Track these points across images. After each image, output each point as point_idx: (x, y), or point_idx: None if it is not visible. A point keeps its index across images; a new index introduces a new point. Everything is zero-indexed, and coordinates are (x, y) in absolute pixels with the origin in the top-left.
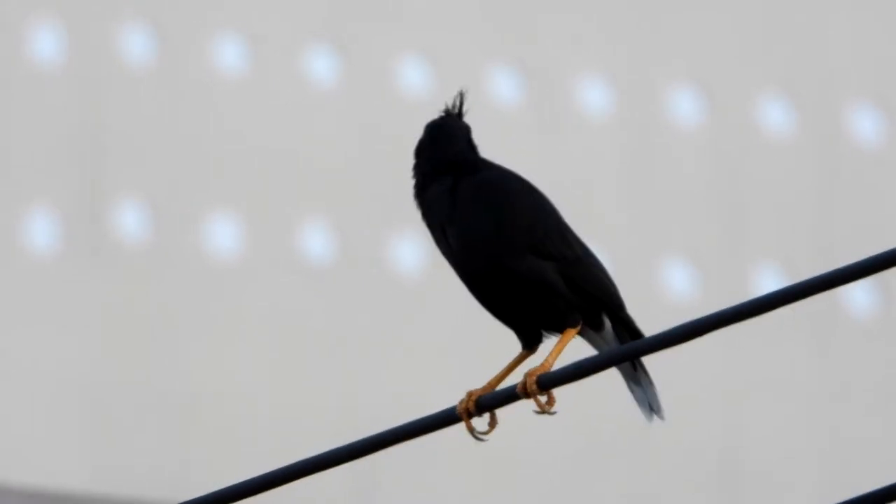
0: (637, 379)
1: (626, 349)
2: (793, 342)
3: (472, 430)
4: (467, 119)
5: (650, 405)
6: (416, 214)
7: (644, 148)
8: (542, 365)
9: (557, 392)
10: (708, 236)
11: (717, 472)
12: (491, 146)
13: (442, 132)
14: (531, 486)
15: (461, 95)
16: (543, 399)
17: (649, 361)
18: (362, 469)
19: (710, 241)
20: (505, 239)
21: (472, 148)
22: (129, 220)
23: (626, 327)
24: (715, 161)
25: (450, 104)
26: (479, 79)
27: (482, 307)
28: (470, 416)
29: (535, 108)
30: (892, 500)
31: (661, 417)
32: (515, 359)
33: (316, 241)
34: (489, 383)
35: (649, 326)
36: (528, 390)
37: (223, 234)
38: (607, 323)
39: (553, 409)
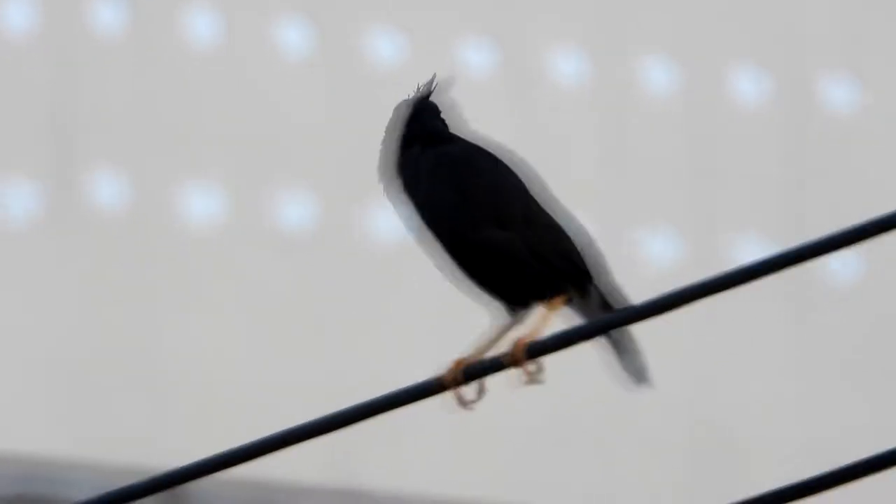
0: (622, 345)
1: (614, 316)
2: (768, 308)
3: (460, 398)
4: (445, 99)
5: (636, 371)
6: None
7: (619, 116)
8: (530, 333)
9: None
10: (685, 205)
11: (691, 441)
12: (465, 117)
13: (411, 109)
14: (503, 456)
15: (433, 78)
16: (532, 367)
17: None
18: (344, 442)
19: (687, 210)
20: (465, 211)
21: (443, 124)
22: (105, 190)
23: (611, 295)
24: (689, 129)
25: (422, 85)
26: (452, 48)
27: (465, 277)
28: (457, 384)
29: (507, 78)
30: (870, 472)
31: (649, 384)
32: (503, 326)
33: (295, 211)
34: (478, 350)
35: (635, 296)
36: (517, 358)
37: (200, 204)
38: (594, 291)
39: (542, 377)
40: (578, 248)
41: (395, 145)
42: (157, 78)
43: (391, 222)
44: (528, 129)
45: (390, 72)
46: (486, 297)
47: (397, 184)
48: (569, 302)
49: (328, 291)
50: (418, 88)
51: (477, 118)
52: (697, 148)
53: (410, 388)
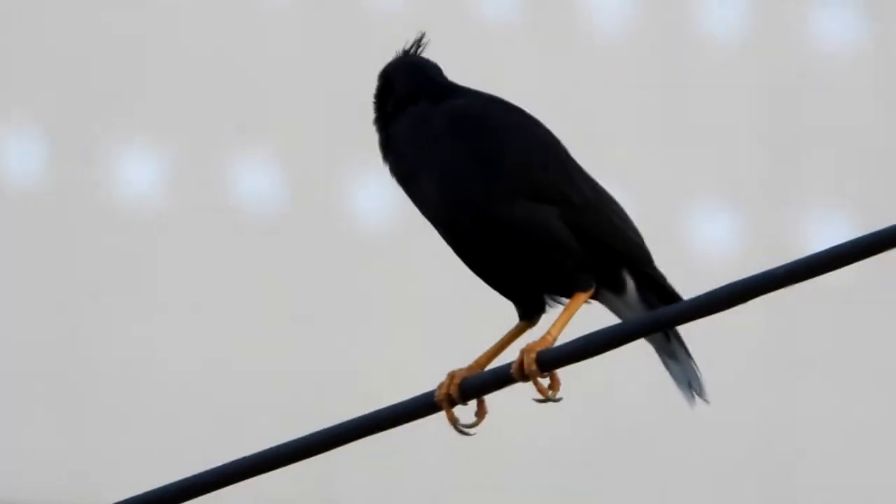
0: (672, 352)
1: (651, 318)
2: (854, 308)
3: (454, 422)
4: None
5: (690, 384)
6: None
7: (670, 68)
8: (542, 339)
9: (563, 373)
10: (753, 177)
11: (759, 469)
12: (483, 72)
13: (402, 67)
14: (528, 487)
15: (420, 38)
16: (545, 382)
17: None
18: (320, 465)
19: (755, 183)
20: (491, 180)
21: (443, 79)
22: (17, 160)
23: (654, 288)
24: (763, 82)
25: (409, 42)
26: None
27: (472, 272)
28: (452, 403)
29: (534, 24)
30: None
31: (705, 399)
32: (511, 332)
33: (256, 185)
34: (476, 362)
35: (679, 289)
36: (527, 371)
37: (136, 177)
38: (630, 283)
39: (558, 395)
40: (634, 227)
41: (389, 109)
42: (88, 25)
43: (377, 199)
44: (559, 84)
45: (384, 21)
46: (498, 294)
47: (395, 157)
48: (597, 298)
49: (298, 282)
50: (406, 47)
51: (496, 72)
52: (774, 104)
53: (396, 407)
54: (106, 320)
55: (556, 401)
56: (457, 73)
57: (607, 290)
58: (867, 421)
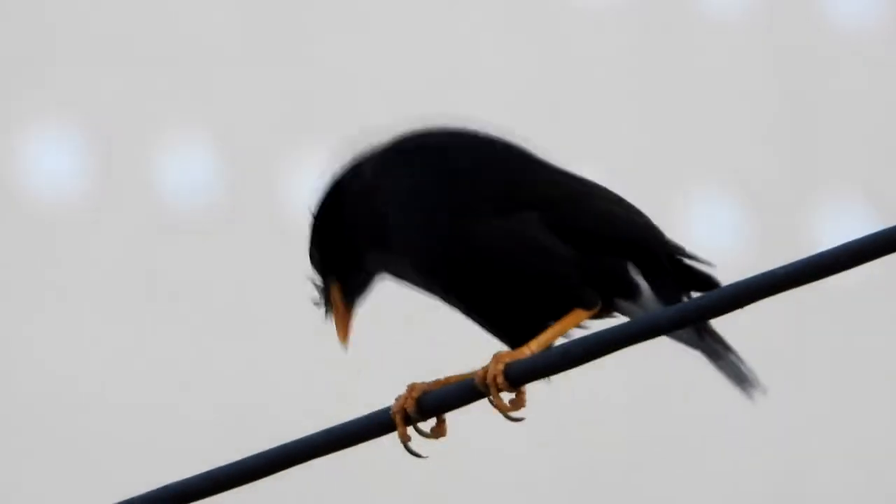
0: (710, 350)
1: (641, 325)
2: (876, 308)
3: (405, 441)
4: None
5: (739, 377)
6: (327, 135)
7: (669, 48)
8: (518, 350)
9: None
10: (761, 167)
11: (761, 490)
12: (469, 55)
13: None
14: None
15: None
16: (507, 398)
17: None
18: (265, 490)
19: (764, 174)
20: (447, 206)
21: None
22: None
23: (676, 273)
24: (773, 63)
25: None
26: None
27: (477, 323)
28: (407, 420)
29: None
30: None
31: (762, 390)
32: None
33: (188, 174)
34: (446, 378)
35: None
36: (489, 381)
37: (60, 161)
38: (642, 284)
39: (518, 414)
40: (635, 209)
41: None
42: None
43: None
44: (547, 62)
45: None
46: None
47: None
48: (601, 315)
49: (238, 281)
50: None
51: (482, 53)
52: (784, 83)
53: (347, 426)
54: (19, 325)
55: (513, 420)
56: (418, 46)
57: (620, 299)
58: (882, 434)
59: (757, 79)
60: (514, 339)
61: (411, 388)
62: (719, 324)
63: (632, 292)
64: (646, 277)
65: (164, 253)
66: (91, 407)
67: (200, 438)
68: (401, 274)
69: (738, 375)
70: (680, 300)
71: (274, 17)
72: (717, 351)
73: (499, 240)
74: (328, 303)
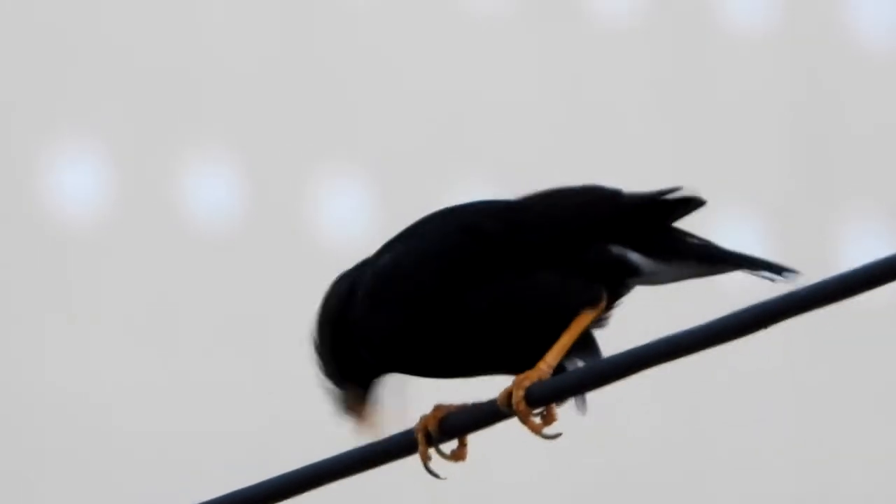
0: (726, 270)
1: (652, 350)
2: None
3: (425, 461)
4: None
5: (766, 272)
6: (350, 154)
7: (687, 60)
8: (536, 368)
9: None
10: (781, 182)
11: None
12: (473, 65)
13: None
14: None
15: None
16: (538, 418)
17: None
18: None
19: (784, 190)
20: (431, 315)
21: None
22: None
23: (658, 232)
24: (791, 74)
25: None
26: None
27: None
28: (429, 441)
29: (533, 11)
30: None
31: (795, 271)
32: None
33: (210, 192)
34: (473, 404)
35: (697, 312)
36: (514, 408)
37: (78, 180)
38: (634, 256)
39: (552, 432)
40: (591, 190)
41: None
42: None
43: (347, 211)
44: (560, 76)
45: (346, 9)
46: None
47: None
48: (610, 306)
49: (257, 303)
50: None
51: (487, 65)
52: (803, 99)
53: (373, 446)
54: (34, 345)
55: (550, 438)
56: (445, 66)
57: (626, 278)
58: None
59: (779, 96)
60: (528, 365)
61: (436, 408)
62: (740, 344)
63: (628, 269)
64: (634, 247)
65: (185, 272)
66: (109, 426)
67: (218, 458)
68: (408, 372)
69: (763, 273)
70: (680, 244)
71: (298, 38)
72: (735, 260)
73: (496, 309)
74: (350, 409)
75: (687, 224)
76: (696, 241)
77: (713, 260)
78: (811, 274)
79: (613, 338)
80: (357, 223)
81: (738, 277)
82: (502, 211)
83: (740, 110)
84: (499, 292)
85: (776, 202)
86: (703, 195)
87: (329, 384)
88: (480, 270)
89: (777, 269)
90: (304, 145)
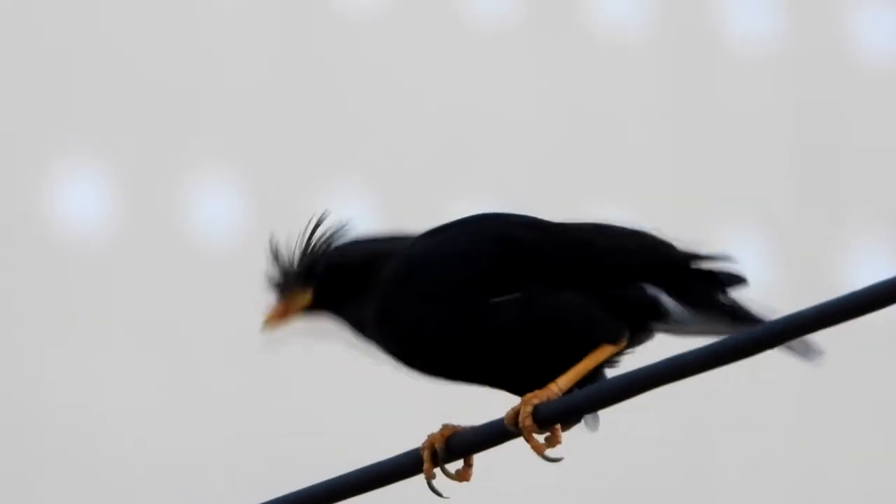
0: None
1: (664, 368)
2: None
3: (429, 479)
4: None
5: (792, 346)
6: (359, 168)
7: (690, 77)
8: (547, 388)
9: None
10: (785, 202)
11: None
12: (476, 78)
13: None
14: None
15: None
16: (542, 438)
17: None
18: None
19: (788, 209)
20: (451, 314)
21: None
22: None
23: (693, 281)
24: (796, 91)
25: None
26: None
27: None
28: (435, 460)
29: (536, 24)
30: None
31: (818, 352)
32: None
33: (215, 207)
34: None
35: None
36: (521, 424)
37: (82, 196)
38: (666, 300)
39: (555, 454)
40: (641, 234)
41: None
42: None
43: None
44: (565, 90)
45: (360, 18)
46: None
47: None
48: (633, 345)
49: (259, 318)
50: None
51: (490, 79)
52: (809, 116)
53: (379, 466)
54: (38, 359)
55: (551, 461)
56: (448, 80)
57: (651, 322)
58: None
59: (782, 111)
60: (534, 387)
61: (444, 427)
62: (747, 363)
63: (659, 313)
64: (670, 293)
65: (188, 288)
66: (111, 439)
67: (220, 472)
68: (376, 341)
69: (790, 345)
70: (713, 304)
71: (300, 54)
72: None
73: (512, 322)
74: (281, 308)
75: (691, 238)
76: (728, 298)
77: (742, 321)
78: (815, 288)
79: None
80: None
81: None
82: (544, 228)
83: (743, 125)
84: (523, 305)
85: (779, 217)
86: (744, 274)
87: (286, 276)
88: (509, 280)
89: (804, 345)
90: (306, 162)
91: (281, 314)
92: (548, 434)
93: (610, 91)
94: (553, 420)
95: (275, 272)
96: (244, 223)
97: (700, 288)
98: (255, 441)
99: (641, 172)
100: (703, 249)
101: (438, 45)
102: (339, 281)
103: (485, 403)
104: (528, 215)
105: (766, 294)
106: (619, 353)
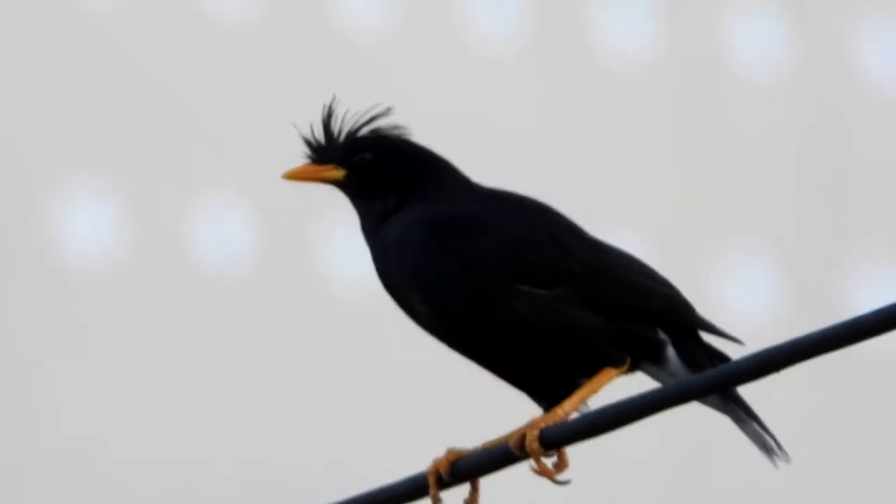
0: (736, 416)
1: (671, 391)
2: None
3: (435, 503)
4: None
5: (765, 447)
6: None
7: (696, 100)
8: (552, 413)
9: (577, 449)
10: (791, 224)
11: None
12: (482, 100)
13: (406, 159)
14: None
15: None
16: (550, 462)
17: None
18: None
19: (794, 232)
20: (479, 282)
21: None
22: None
23: (702, 346)
24: (805, 115)
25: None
26: (465, 6)
27: (486, 371)
28: (441, 483)
29: (541, 51)
30: None
31: (786, 460)
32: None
33: (221, 237)
34: (483, 446)
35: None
36: (528, 448)
37: (89, 225)
38: (670, 350)
39: (563, 477)
40: (659, 277)
41: (382, 208)
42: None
43: (358, 254)
44: (571, 112)
45: (365, 39)
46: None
47: (380, 269)
48: (626, 373)
49: (269, 345)
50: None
51: (497, 101)
52: (819, 140)
53: (384, 491)
54: (47, 384)
55: (560, 483)
56: (453, 109)
57: (647, 362)
58: None
59: (789, 134)
60: (535, 392)
61: (449, 451)
62: (754, 387)
63: (659, 358)
64: (674, 345)
65: (197, 314)
66: (121, 462)
67: (230, 496)
68: (406, 311)
69: (762, 443)
70: (708, 366)
71: (310, 79)
72: (740, 417)
73: (526, 316)
74: (318, 158)
75: (698, 264)
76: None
77: (727, 397)
78: (821, 311)
79: (626, 381)
80: (366, 266)
81: (749, 320)
82: (596, 249)
83: (749, 148)
84: (546, 304)
85: (787, 239)
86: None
87: (326, 145)
88: (545, 279)
89: (774, 448)
90: (315, 190)
91: (307, 175)
92: (555, 459)
93: (615, 114)
94: (559, 443)
95: (317, 135)
96: (253, 249)
97: (701, 354)
98: (260, 460)
99: (647, 195)
100: (718, 326)
101: (443, 67)
102: (378, 177)
103: (490, 425)
104: (570, 220)
105: (771, 316)
106: (616, 378)
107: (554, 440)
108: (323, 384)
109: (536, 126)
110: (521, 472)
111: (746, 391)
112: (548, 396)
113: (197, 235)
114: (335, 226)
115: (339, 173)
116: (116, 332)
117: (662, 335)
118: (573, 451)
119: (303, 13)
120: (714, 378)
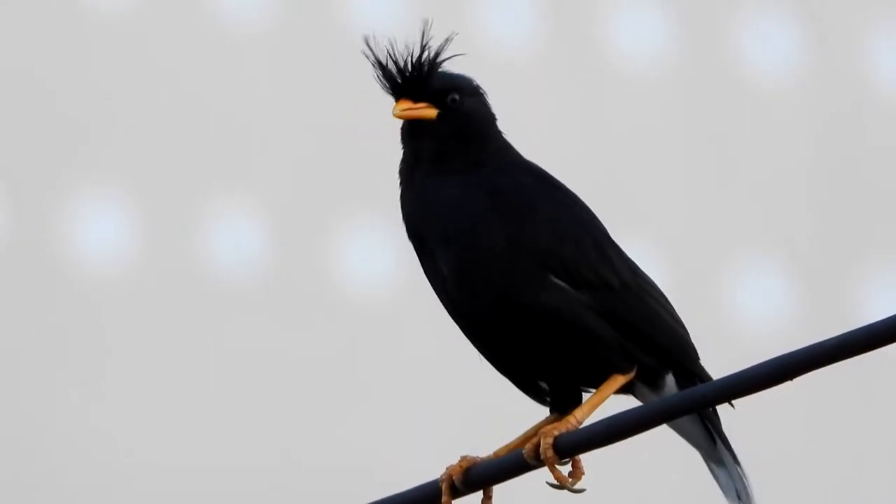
0: (718, 458)
1: (682, 398)
2: None
3: None
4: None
5: (737, 493)
6: (375, 207)
7: (711, 107)
8: (565, 421)
9: (591, 457)
10: (806, 233)
11: None
12: (495, 106)
13: (463, 110)
14: None
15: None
16: (565, 470)
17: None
18: None
19: (808, 240)
20: (517, 262)
21: (492, 131)
22: None
23: (697, 378)
24: (820, 122)
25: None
26: (478, 10)
27: (488, 362)
28: (455, 492)
29: (554, 57)
30: None
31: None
32: (539, 424)
33: (235, 244)
34: (495, 454)
35: (719, 363)
36: (542, 456)
37: (102, 232)
38: (669, 379)
39: (578, 485)
40: (677, 316)
41: (423, 154)
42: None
43: (371, 260)
44: (585, 121)
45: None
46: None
47: (409, 218)
48: (631, 388)
49: (284, 353)
50: (418, 51)
51: (511, 107)
52: (832, 148)
53: (394, 498)
54: (58, 401)
55: (576, 492)
56: None
57: (643, 384)
58: None
59: (805, 148)
60: (531, 387)
61: (463, 459)
62: (765, 396)
63: (657, 384)
64: (675, 375)
65: (212, 320)
66: (134, 468)
67: (243, 502)
68: (423, 264)
69: (736, 489)
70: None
71: (324, 87)
72: (723, 460)
73: (549, 310)
74: (403, 106)
75: (711, 270)
76: (714, 411)
77: (714, 433)
78: (835, 319)
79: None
80: (380, 272)
81: (763, 327)
82: (630, 266)
83: (763, 155)
84: (570, 302)
85: (801, 246)
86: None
87: (407, 81)
88: (577, 278)
89: (741, 492)
90: (330, 196)
91: (409, 113)
92: (570, 468)
93: (629, 120)
94: (574, 451)
95: (404, 69)
96: (267, 257)
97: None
98: (274, 465)
99: (660, 202)
100: (711, 375)
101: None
102: (464, 123)
103: (506, 431)
104: (606, 229)
105: (785, 323)
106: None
107: (568, 448)
108: (337, 389)
109: (549, 132)
110: (533, 481)
111: (759, 398)
112: (545, 393)
113: (211, 241)
114: (349, 232)
115: (432, 112)
116: (131, 338)
117: (663, 364)
118: (587, 459)
119: (317, 16)
120: (730, 384)
